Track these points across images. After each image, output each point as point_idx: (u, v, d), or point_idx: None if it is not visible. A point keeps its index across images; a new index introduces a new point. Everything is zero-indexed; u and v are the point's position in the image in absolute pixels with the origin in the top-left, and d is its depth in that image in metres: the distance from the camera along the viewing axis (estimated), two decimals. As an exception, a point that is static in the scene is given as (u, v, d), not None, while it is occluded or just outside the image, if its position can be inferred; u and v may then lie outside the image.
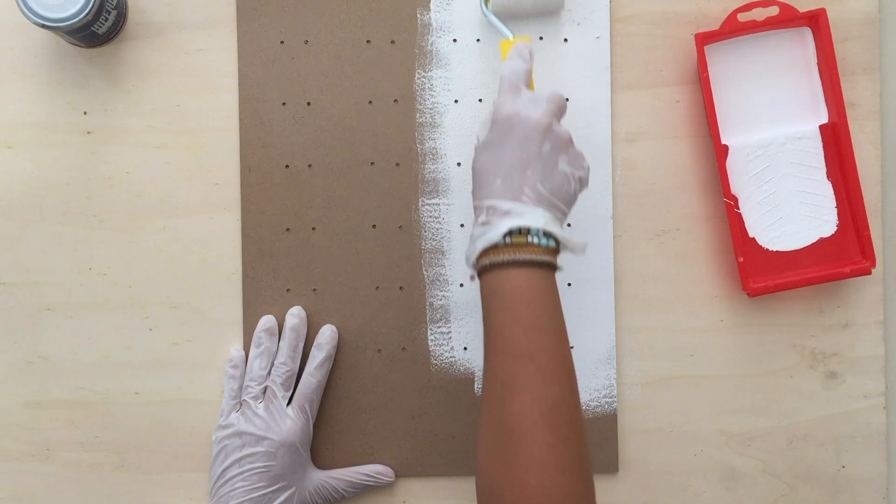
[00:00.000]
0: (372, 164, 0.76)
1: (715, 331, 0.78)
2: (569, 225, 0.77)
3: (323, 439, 0.77)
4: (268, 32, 0.76)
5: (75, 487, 0.79)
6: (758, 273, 0.77)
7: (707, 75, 0.74)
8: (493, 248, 0.62)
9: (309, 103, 0.76)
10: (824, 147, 0.77)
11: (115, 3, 0.73)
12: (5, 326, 0.78)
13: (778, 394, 0.78)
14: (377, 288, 0.77)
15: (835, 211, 0.77)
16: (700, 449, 0.79)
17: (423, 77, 0.76)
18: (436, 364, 0.77)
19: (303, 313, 0.76)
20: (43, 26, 0.70)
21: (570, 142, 0.65)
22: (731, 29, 0.75)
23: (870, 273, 0.76)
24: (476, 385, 0.78)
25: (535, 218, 0.62)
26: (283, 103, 0.76)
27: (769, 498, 0.79)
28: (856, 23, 0.77)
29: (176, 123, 0.78)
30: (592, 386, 0.77)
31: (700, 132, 0.78)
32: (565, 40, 0.77)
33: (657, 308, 0.78)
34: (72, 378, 0.78)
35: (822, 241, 0.77)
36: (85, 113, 0.78)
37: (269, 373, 0.75)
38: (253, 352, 0.75)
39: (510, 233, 0.61)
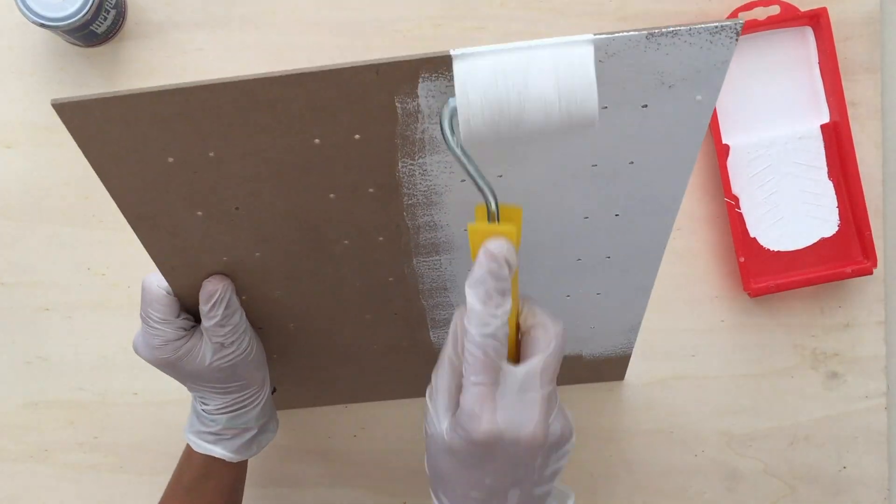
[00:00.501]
0: (346, 242, 0.57)
1: (716, 331, 0.78)
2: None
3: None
4: (142, 153, 0.49)
5: (74, 488, 0.79)
6: (759, 273, 0.77)
7: (708, 75, 0.74)
8: None
9: (237, 208, 0.54)
10: (825, 147, 0.77)
11: (113, 2, 0.73)
12: (4, 326, 0.78)
13: (779, 394, 0.78)
14: (367, 316, 0.66)
15: (836, 211, 0.77)
16: (701, 449, 0.79)
17: (412, 165, 0.53)
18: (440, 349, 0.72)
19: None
20: (42, 26, 0.70)
21: (569, 436, 0.47)
22: None
23: (871, 273, 0.76)
24: None
25: None
26: (198, 213, 0.54)
27: (770, 498, 0.79)
28: (857, 22, 0.77)
29: (175, 123, 0.77)
30: (609, 344, 0.72)
31: (701, 132, 0.78)
32: (631, 163, 0.52)
33: (658, 308, 0.78)
34: (71, 378, 0.78)
35: (823, 241, 0.77)
36: (84, 113, 0.77)
37: None
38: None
39: None
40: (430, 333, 0.72)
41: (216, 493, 0.65)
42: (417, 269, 0.61)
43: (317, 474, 0.79)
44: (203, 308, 0.58)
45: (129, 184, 0.51)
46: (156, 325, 0.58)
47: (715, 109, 0.75)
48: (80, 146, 0.48)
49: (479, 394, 0.43)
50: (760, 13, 0.75)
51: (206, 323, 0.58)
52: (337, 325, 0.66)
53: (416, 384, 0.78)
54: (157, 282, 0.58)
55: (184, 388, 0.78)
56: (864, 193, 0.75)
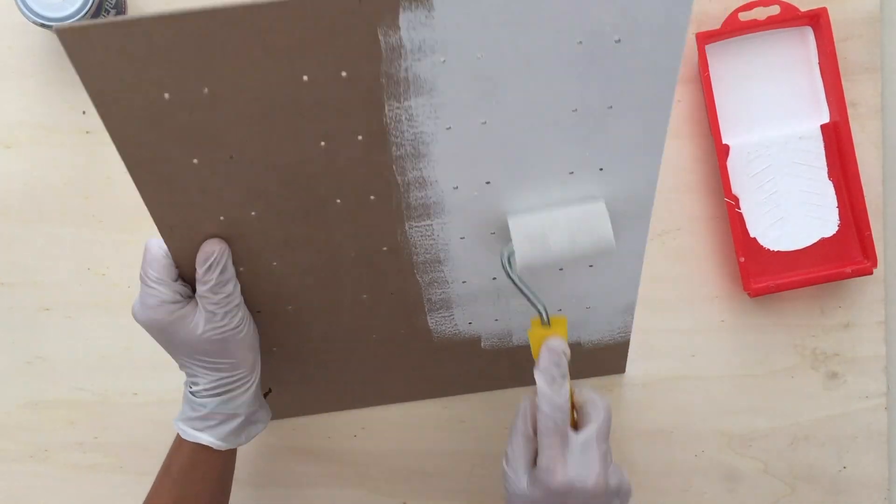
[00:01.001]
0: (338, 201, 0.59)
1: (716, 331, 0.78)
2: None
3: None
4: (139, 86, 0.51)
5: (74, 488, 0.79)
6: (759, 273, 0.77)
7: (708, 75, 0.74)
8: None
9: (231, 157, 0.55)
10: (825, 147, 0.77)
11: (113, 2, 0.73)
12: (4, 326, 0.78)
13: (779, 394, 0.78)
14: (364, 296, 0.66)
15: (836, 211, 0.77)
16: (701, 449, 0.79)
17: (398, 109, 0.54)
18: (438, 338, 0.72)
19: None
20: (42, 26, 0.70)
21: (627, 490, 0.58)
22: (732, 28, 0.75)
23: (871, 273, 0.76)
24: (482, 343, 0.73)
25: None
26: (194, 161, 0.55)
27: (770, 498, 0.79)
28: (857, 22, 0.77)
29: (175, 123, 0.77)
30: (607, 329, 0.73)
31: (700, 132, 0.78)
32: (618, 41, 0.52)
33: (658, 308, 0.78)
34: (71, 378, 0.78)
35: (823, 241, 0.77)
36: (84, 113, 0.77)
37: None
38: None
39: None
40: (428, 318, 0.71)
41: (204, 482, 0.65)
42: (410, 237, 0.62)
43: (317, 474, 0.79)
44: (199, 272, 0.60)
45: (127, 121, 0.52)
46: (152, 285, 0.60)
47: (715, 110, 0.75)
48: (80, 76, 0.50)
49: (553, 454, 0.55)
50: (760, 13, 0.75)
51: (200, 289, 0.60)
52: (335, 309, 0.66)
53: (417, 383, 0.78)
54: (158, 244, 0.61)
55: (183, 389, 0.78)
56: (864, 193, 0.75)
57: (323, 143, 0.55)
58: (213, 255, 0.59)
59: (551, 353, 0.56)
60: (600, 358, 0.76)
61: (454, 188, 0.59)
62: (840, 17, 0.76)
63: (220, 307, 0.60)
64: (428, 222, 0.61)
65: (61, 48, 0.77)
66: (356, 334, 0.70)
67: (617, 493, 0.56)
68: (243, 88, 0.51)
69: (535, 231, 0.57)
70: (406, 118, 0.55)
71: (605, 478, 0.55)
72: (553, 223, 0.58)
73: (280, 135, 0.54)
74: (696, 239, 0.78)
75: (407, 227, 0.61)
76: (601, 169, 0.58)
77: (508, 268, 0.59)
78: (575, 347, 0.73)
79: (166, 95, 0.51)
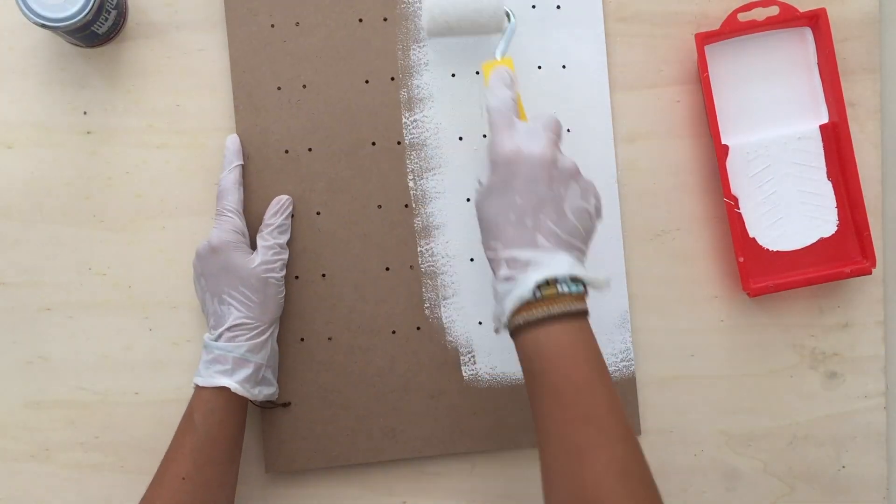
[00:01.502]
0: (373, 143, 0.76)
1: (715, 331, 0.78)
2: None
3: (343, 426, 0.77)
4: (257, 17, 0.75)
5: (75, 488, 0.79)
6: (758, 273, 0.77)
7: (707, 75, 0.74)
8: (524, 305, 0.59)
9: (305, 86, 0.76)
10: (824, 147, 0.77)
11: (114, 3, 0.73)
12: (5, 326, 0.78)
13: (778, 394, 0.78)
14: (387, 269, 0.77)
15: (835, 211, 0.77)
16: (700, 449, 0.79)
17: (418, 51, 0.76)
18: (451, 341, 0.77)
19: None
20: (43, 26, 0.70)
21: (577, 172, 0.61)
22: (732, 29, 0.75)
23: (870, 273, 0.76)
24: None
25: (560, 265, 0.59)
26: (279, 87, 0.76)
27: (769, 498, 0.79)
28: (856, 23, 0.77)
29: (176, 123, 0.78)
30: (609, 351, 0.77)
31: (700, 132, 0.78)
32: (558, 7, 0.77)
33: (657, 308, 0.78)
34: (72, 378, 0.78)
35: (822, 242, 0.77)
36: (85, 113, 0.78)
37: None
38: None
39: (538, 286, 0.58)
40: (442, 307, 0.77)
41: (221, 426, 0.70)
42: (427, 191, 0.77)
43: (317, 474, 0.79)
44: (267, 214, 0.75)
45: (245, 43, 0.76)
46: (228, 214, 0.73)
47: (714, 110, 0.75)
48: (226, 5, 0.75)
49: (501, 132, 0.61)
50: (759, 14, 0.75)
51: (264, 230, 0.74)
52: (361, 281, 0.77)
53: (435, 412, 0.78)
54: (233, 178, 0.74)
55: (183, 389, 0.78)
56: (863, 194, 0.76)
57: (367, 81, 0.76)
58: (282, 201, 0.75)
59: (497, 70, 0.65)
60: None
61: (459, 139, 0.77)
62: (839, 17, 0.77)
63: (274, 250, 0.73)
64: (440, 177, 0.77)
65: (62, 48, 0.77)
66: (377, 322, 0.77)
67: (572, 176, 0.61)
68: (320, 24, 0.75)
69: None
70: (423, 63, 0.76)
71: (553, 151, 0.60)
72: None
73: (339, 69, 0.76)
74: (696, 239, 0.78)
75: (426, 179, 0.77)
76: (568, 130, 0.76)
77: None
78: None
79: (272, 25, 0.76)
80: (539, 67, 0.77)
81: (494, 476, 0.79)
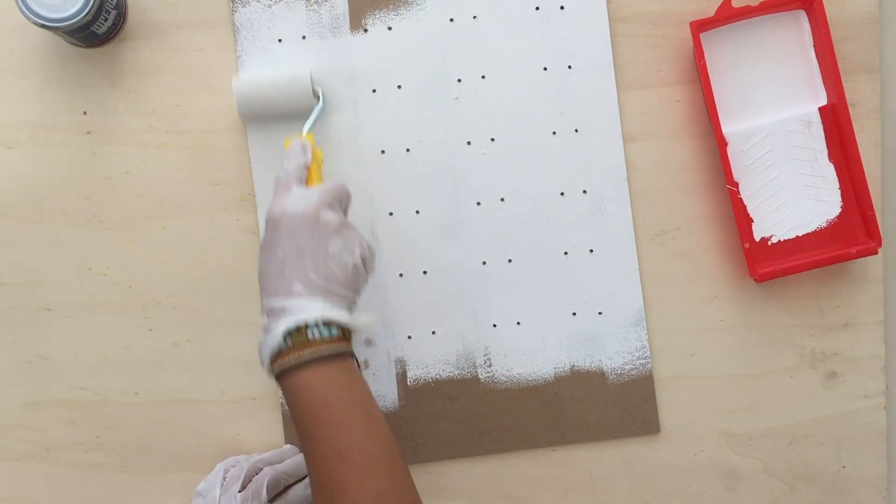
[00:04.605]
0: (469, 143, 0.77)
1: (715, 331, 0.78)
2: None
3: None
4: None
5: (75, 488, 0.79)
6: (763, 259, 0.77)
7: (704, 63, 0.74)
8: (279, 353, 0.62)
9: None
10: (825, 129, 0.77)
11: (114, 2, 0.73)
12: (5, 326, 0.78)
13: (778, 394, 0.78)
14: (401, 275, 0.77)
15: (838, 192, 0.77)
16: (700, 449, 0.79)
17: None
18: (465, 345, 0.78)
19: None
20: (43, 26, 0.70)
21: (341, 226, 0.64)
22: (726, 15, 0.75)
23: (876, 253, 0.75)
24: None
25: (311, 311, 0.61)
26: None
27: (769, 498, 0.79)
28: (855, 22, 0.77)
29: (176, 123, 0.78)
30: (625, 349, 0.77)
31: (700, 131, 0.78)
32: (562, 8, 0.77)
33: (657, 308, 0.78)
34: (72, 378, 0.78)
35: (827, 224, 0.77)
36: (85, 113, 0.78)
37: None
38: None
39: (289, 333, 0.61)
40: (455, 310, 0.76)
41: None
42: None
43: (317, 474, 0.79)
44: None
45: None
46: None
47: (713, 97, 0.75)
48: None
49: (276, 195, 0.66)
50: (753, -1, 0.75)
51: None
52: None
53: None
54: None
55: (183, 389, 0.78)
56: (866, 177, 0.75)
57: None
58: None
59: (292, 144, 0.69)
60: (630, 403, 0.77)
61: (467, 143, 0.78)
62: (838, 16, 0.76)
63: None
64: (452, 182, 0.78)
65: (62, 49, 0.77)
66: (393, 334, 0.78)
67: (335, 230, 0.64)
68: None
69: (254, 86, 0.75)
70: None
71: (317, 211, 0.64)
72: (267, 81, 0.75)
73: None
74: (696, 239, 0.78)
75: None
76: (576, 131, 0.77)
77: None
78: (599, 380, 0.77)
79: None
80: (545, 69, 0.77)
81: (494, 476, 0.79)
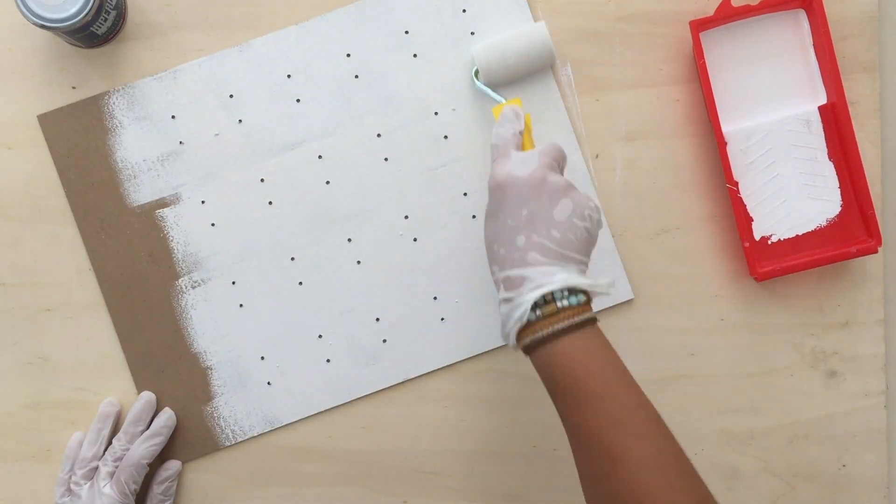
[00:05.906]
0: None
1: (715, 330, 0.78)
2: None
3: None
4: None
5: (75, 488, 0.79)
6: (763, 258, 0.77)
7: (704, 62, 0.74)
8: (527, 325, 0.60)
9: None
10: (824, 128, 0.77)
11: (114, 3, 0.73)
12: (5, 326, 0.78)
13: (778, 393, 0.78)
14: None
15: (838, 191, 0.77)
16: (701, 448, 0.79)
17: None
18: None
19: (149, 396, 0.77)
20: (42, 27, 0.70)
21: (568, 188, 0.62)
22: (726, 15, 0.75)
23: (876, 251, 0.75)
24: None
25: (553, 279, 0.59)
26: None
27: (770, 497, 0.79)
28: (855, 21, 0.77)
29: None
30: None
31: (700, 131, 0.78)
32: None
33: (657, 307, 0.78)
34: (72, 378, 0.78)
35: (827, 223, 0.77)
36: (85, 113, 0.78)
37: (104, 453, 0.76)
38: (88, 437, 0.76)
39: (536, 305, 0.59)
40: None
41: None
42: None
43: (318, 473, 0.79)
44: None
45: None
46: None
47: (712, 96, 0.75)
48: None
49: (496, 162, 0.64)
50: (753, -1, 0.75)
51: None
52: None
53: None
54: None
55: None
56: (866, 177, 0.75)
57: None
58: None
59: (505, 113, 0.68)
60: None
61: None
62: (838, 16, 0.77)
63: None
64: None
65: (62, 49, 0.77)
66: None
67: (563, 192, 0.62)
68: None
69: (494, 51, 0.76)
70: None
71: (543, 173, 0.62)
72: (506, 43, 0.76)
73: None
74: (696, 238, 0.78)
75: None
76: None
77: (475, 78, 0.77)
78: None
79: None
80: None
81: (494, 476, 0.79)
